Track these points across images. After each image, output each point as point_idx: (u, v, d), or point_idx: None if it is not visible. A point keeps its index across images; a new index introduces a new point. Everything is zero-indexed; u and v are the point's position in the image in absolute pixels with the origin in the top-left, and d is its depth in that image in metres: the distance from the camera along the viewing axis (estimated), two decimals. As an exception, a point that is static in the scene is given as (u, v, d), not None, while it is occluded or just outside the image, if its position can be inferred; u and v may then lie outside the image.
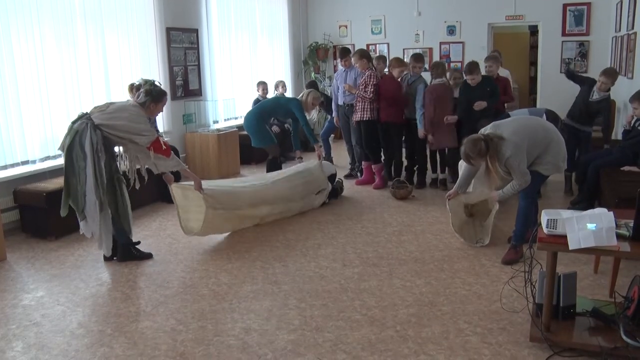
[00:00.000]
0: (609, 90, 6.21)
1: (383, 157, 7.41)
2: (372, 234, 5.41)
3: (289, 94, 10.62)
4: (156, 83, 4.76)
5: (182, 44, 8.24)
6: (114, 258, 4.80)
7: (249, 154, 8.88)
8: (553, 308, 3.24)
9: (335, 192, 6.69)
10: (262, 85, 9.34)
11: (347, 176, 7.83)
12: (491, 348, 3.25)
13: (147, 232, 5.67)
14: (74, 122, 4.45)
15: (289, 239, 5.34)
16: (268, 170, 6.84)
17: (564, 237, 3.01)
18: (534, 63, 12.39)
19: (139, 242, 4.96)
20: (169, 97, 7.81)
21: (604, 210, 3.11)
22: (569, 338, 3.17)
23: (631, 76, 7.25)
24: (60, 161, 5.01)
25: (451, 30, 10.93)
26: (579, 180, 6.00)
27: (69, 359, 3.26)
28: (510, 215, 5.31)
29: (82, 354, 3.32)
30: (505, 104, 7.28)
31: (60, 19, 6.22)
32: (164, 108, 7.67)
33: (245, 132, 7.20)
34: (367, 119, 7.00)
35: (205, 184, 5.13)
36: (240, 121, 9.17)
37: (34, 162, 5.97)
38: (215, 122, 9.04)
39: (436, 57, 11.07)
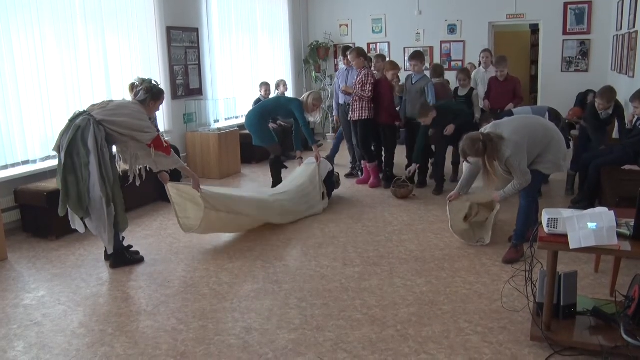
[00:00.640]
0: (610, 107, 6.14)
1: (384, 157, 7.41)
2: (372, 233, 5.41)
3: (289, 93, 10.62)
4: (153, 82, 4.75)
5: (183, 43, 8.24)
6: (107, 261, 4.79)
7: (250, 153, 8.88)
8: (554, 307, 3.24)
9: (332, 185, 6.68)
10: (265, 86, 9.34)
11: (348, 175, 7.83)
12: (492, 347, 3.25)
13: (148, 232, 5.68)
14: (72, 120, 4.39)
15: (289, 238, 5.34)
16: (271, 169, 6.86)
17: (564, 236, 3.01)
18: (534, 62, 12.39)
19: (131, 246, 4.93)
20: (169, 96, 7.91)
21: (605, 209, 3.10)
22: (570, 337, 3.18)
23: (632, 75, 7.24)
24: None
25: (452, 29, 10.92)
26: (581, 179, 5.99)
27: (70, 359, 3.27)
28: (511, 214, 5.31)
29: (84, 353, 3.33)
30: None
31: (61, 19, 6.22)
32: (165, 107, 7.79)
33: (246, 131, 7.20)
34: (364, 118, 7.00)
35: (204, 189, 5.06)
36: (241, 120, 9.19)
37: (34, 161, 5.98)
38: (216, 121, 9.05)
39: (437, 56, 11.08)
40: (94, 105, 4.55)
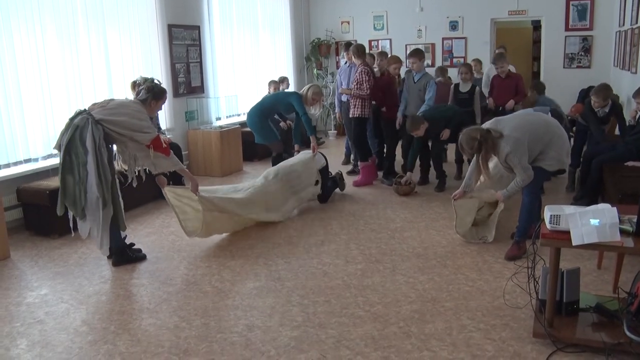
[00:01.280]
0: (607, 105, 6.12)
1: (386, 152, 7.39)
2: (375, 230, 5.41)
3: (291, 90, 10.61)
4: (156, 81, 4.73)
5: (184, 41, 8.24)
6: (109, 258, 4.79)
7: (252, 150, 8.88)
8: (556, 304, 3.24)
9: (335, 183, 6.67)
10: (274, 84, 9.34)
11: (351, 172, 7.82)
12: (494, 344, 3.25)
13: (149, 230, 5.68)
14: (72, 119, 4.37)
15: (291, 236, 5.34)
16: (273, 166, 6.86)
17: (567, 232, 3.01)
18: (536, 58, 12.37)
19: (133, 244, 4.94)
20: (171, 94, 7.90)
21: (607, 205, 3.10)
22: (572, 334, 3.17)
23: (635, 71, 7.22)
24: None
25: (453, 26, 10.90)
26: (582, 175, 5.98)
27: (72, 356, 3.27)
28: (513, 211, 5.31)
29: (86, 351, 3.33)
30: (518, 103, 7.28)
31: (62, 17, 6.22)
32: (167, 105, 7.77)
33: (248, 129, 7.19)
34: (357, 115, 6.99)
35: (200, 189, 5.02)
36: (243, 118, 9.20)
37: (36, 160, 5.99)
38: (218, 119, 9.04)
39: (439, 53, 11.07)
40: (94, 104, 4.52)
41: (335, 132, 11.44)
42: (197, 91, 8.61)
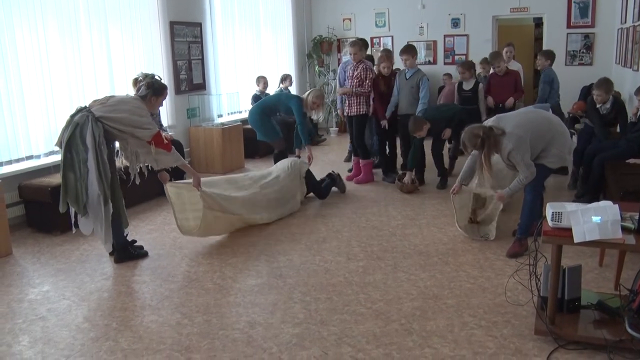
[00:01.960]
0: (609, 99, 6.09)
1: (388, 151, 7.39)
2: (376, 228, 5.41)
3: (293, 87, 10.62)
4: (156, 77, 4.72)
5: (186, 38, 8.24)
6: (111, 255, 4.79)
7: (253, 147, 8.88)
8: (558, 301, 3.24)
9: (334, 181, 6.66)
10: (263, 80, 9.31)
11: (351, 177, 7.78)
12: (496, 341, 3.25)
13: (151, 227, 5.69)
14: (72, 116, 4.37)
15: (293, 233, 5.34)
16: (275, 163, 6.84)
17: (569, 230, 3.00)
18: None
19: (135, 241, 4.94)
20: (173, 91, 7.91)
21: (609, 203, 3.10)
22: (574, 331, 3.17)
23: (637, 68, 7.21)
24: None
25: (455, 23, 10.89)
26: (584, 173, 5.97)
27: (74, 353, 3.28)
28: (515, 208, 5.31)
29: (88, 348, 3.34)
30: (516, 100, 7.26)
31: (64, 14, 6.22)
32: (168, 102, 7.79)
33: (249, 126, 7.19)
34: (361, 113, 6.97)
35: (204, 185, 5.01)
36: (244, 115, 9.20)
37: (38, 157, 5.99)
38: (220, 116, 9.05)
39: (440, 50, 11.05)
40: (95, 101, 4.51)
41: (337, 129, 11.44)
42: (199, 88, 8.61)
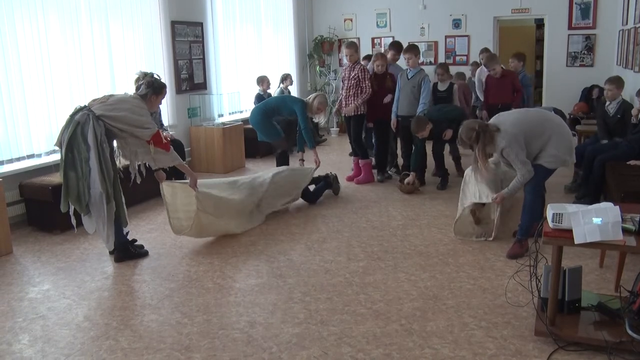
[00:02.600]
0: (619, 96, 6.08)
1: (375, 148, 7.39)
2: (377, 228, 5.41)
3: (294, 87, 10.62)
4: (155, 76, 4.72)
5: (187, 37, 8.24)
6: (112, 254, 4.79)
7: (254, 147, 8.88)
8: (558, 302, 3.24)
9: (329, 184, 6.61)
10: (264, 80, 9.28)
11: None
12: (496, 342, 3.25)
13: (152, 226, 5.69)
14: (72, 115, 4.37)
15: (293, 233, 5.34)
16: (277, 162, 6.85)
17: (569, 231, 3.00)
18: (539, 57, 12.35)
19: (135, 240, 4.94)
20: (173, 90, 7.92)
21: (610, 204, 3.10)
22: (574, 332, 3.17)
23: (638, 70, 7.21)
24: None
25: (456, 24, 10.88)
26: (585, 174, 5.97)
27: (75, 352, 3.28)
28: (515, 209, 5.30)
29: (88, 346, 3.34)
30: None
31: (66, 13, 6.23)
32: (169, 102, 7.80)
33: (250, 126, 7.18)
34: (359, 113, 6.96)
35: (200, 185, 5.00)
36: (245, 115, 9.21)
37: (39, 155, 6.00)
38: (220, 115, 9.05)
39: (441, 51, 11.05)
40: (94, 100, 4.51)
41: (338, 129, 11.44)
42: (200, 88, 8.61)
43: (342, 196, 6.62)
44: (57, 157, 5.93)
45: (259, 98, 8.97)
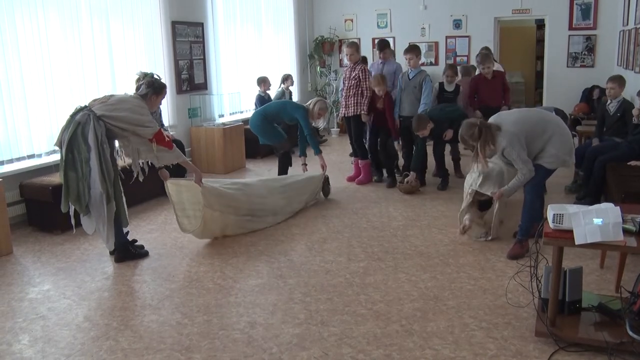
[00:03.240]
0: (621, 95, 6.08)
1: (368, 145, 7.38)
2: (377, 228, 5.41)
3: (295, 87, 10.61)
4: (155, 76, 4.73)
5: (188, 37, 8.24)
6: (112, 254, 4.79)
7: (255, 148, 8.85)
8: (559, 303, 3.23)
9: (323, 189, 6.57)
10: (264, 81, 9.25)
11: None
12: (496, 343, 3.25)
13: (152, 226, 5.69)
14: (73, 115, 4.38)
15: (294, 233, 5.34)
16: (280, 164, 6.83)
17: (570, 231, 3.00)
18: (540, 57, 12.35)
19: (135, 241, 4.94)
20: (174, 91, 7.92)
21: (611, 205, 3.09)
22: (575, 333, 3.17)
23: (639, 70, 7.21)
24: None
25: (457, 24, 10.88)
26: (585, 175, 5.96)
27: (75, 352, 3.28)
28: (515, 210, 5.30)
29: (88, 347, 3.34)
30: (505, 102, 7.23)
31: (66, 13, 6.23)
32: (170, 102, 7.80)
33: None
34: (359, 113, 6.95)
35: (205, 183, 4.99)
36: (245, 115, 9.21)
37: (39, 156, 6.00)
38: (221, 116, 9.05)
39: (442, 52, 11.05)
40: (94, 100, 4.51)
41: (338, 129, 11.44)
42: (200, 88, 8.61)
43: (343, 196, 6.62)
44: (57, 157, 5.92)
45: (260, 99, 8.97)
